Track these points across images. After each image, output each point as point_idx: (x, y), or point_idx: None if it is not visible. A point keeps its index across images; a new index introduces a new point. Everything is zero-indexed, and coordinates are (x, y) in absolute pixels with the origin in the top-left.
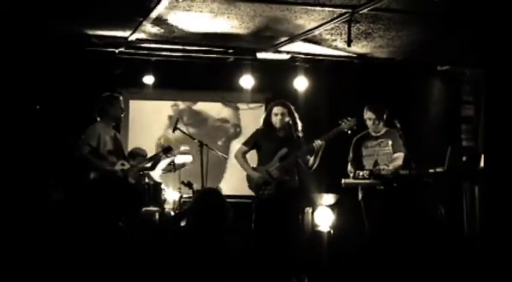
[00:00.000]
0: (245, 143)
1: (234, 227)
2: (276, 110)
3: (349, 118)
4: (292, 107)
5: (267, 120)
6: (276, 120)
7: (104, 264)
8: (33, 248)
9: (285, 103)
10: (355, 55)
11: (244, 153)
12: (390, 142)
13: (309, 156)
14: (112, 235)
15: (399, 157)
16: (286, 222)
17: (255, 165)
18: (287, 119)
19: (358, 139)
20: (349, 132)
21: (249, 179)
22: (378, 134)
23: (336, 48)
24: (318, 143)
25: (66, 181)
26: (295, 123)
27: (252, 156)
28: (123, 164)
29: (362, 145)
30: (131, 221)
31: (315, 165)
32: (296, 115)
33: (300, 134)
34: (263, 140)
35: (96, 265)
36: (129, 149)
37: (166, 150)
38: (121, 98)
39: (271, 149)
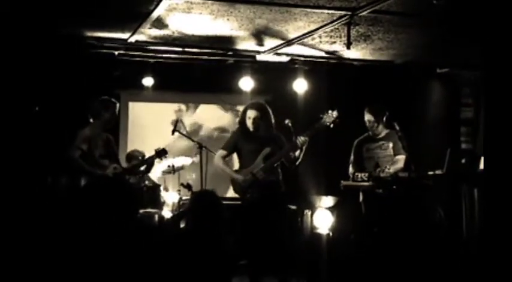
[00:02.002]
0: (224, 147)
1: (233, 228)
2: (250, 113)
3: (330, 111)
4: (268, 108)
5: (243, 122)
6: (249, 123)
7: (101, 267)
8: (28, 250)
9: (259, 105)
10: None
11: (224, 157)
12: (391, 144)
13: (291, 153)
14: (108, 238)
15: (401, 160)
16: (277, 223)
17: (236, 168)
18: (261, 121)
19: (359, 141)
20: (332, 125)
21: (234, 182)
22: (379, 136)
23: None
24: (301, 139)
25: (62, 183)
26: (270, 123)
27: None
28: (115, 168)
29: (363, 147)
30: (127, 223)
31: (299, 160)
32: (272, 116)
33: (275, 132)
34: (243, 142)
35: (93, 267)
36: (128, 150)
37: (161, 153)
38: (118, 104)
39: (253, 150)
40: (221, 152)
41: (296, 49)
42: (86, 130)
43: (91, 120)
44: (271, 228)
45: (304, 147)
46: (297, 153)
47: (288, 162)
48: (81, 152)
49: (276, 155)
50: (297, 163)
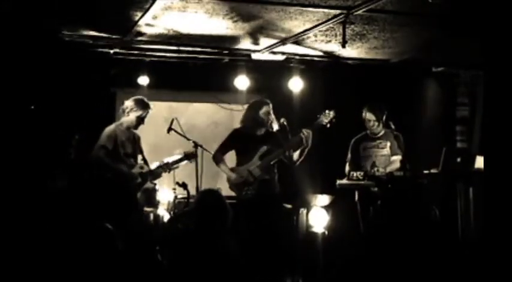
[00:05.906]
0: (222, 145)
1: (234, 227)
2: (267, 108)
3: (327, 111)
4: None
5: (255, 117)
6: (267, 118)
7: (98, 264)
8: (25, 249)
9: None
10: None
11: (222, 154)
12: (389, 144)
13: (292, 151)
14: (105, 236)
15: (396, 160)
16: (270, 222)
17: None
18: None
19: (357, 140)
20: (328, 125)
21: (229, 180)
22: (377, 136)
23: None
24: (305, 132)
25: (60, 180)
26: (272, 121)
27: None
28: (141, 167)
29: (360, 146)
30: (126, 222)
31: (299, 160)
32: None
33: (275, 131)
34: (241, 140)
35: (90, 265)
36: None
37: (190, 156)
38: (150, 109)
39: (250, 148)
40: (219, 149)
41: (291, 48)
42: (112, 129)
43: (124, 116)
44: (265, 226)
45: (306, 149)
46: (298, 153)
47: (288, 160)
48: (106, 151)
49: (272, 154)
50: (297, 163)
